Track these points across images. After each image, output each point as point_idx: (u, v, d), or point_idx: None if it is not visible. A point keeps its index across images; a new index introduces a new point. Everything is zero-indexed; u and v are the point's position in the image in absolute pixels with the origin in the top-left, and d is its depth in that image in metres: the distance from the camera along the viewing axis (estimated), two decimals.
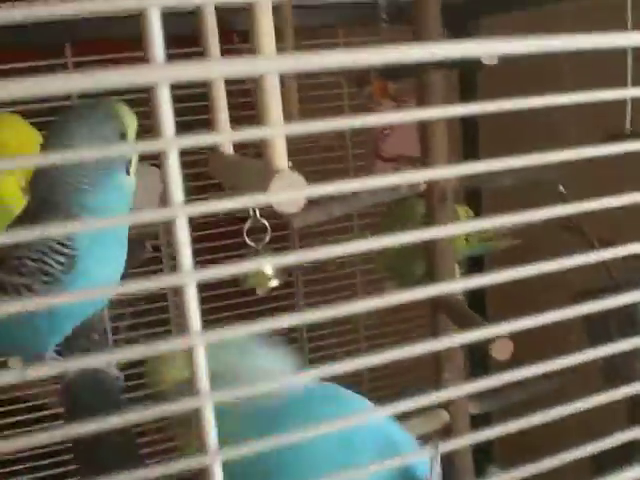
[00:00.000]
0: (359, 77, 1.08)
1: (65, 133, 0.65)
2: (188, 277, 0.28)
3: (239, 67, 0.28)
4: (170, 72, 0.26)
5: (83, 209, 0.64)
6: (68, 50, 1.16)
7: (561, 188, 0.74)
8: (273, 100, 0.49)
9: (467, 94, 1.29)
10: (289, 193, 0.47)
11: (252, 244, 0.72)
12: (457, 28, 1.28)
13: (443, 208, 0.83)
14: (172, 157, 0.28)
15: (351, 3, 1.12)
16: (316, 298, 1.41)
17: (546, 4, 1.11)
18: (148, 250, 0.92)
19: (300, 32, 0.99)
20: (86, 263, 0.65)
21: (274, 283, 0.74)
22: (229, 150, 0.68)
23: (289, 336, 1.36)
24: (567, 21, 1.05)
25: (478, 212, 1.25)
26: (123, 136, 0.66)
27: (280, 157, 0.50)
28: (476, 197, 1.30)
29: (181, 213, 0.28)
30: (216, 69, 0.28)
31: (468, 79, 1.29)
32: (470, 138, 1.32)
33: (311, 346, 1.44)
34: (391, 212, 0.97)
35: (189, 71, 0.27)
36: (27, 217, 0.67)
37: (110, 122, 0.66)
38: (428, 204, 0.84)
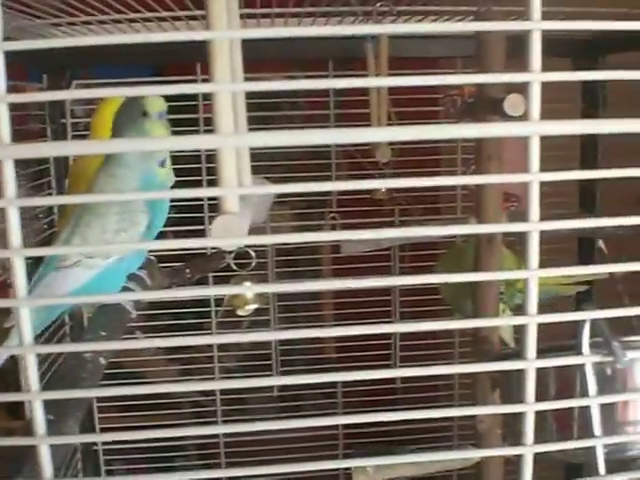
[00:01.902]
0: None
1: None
2: None
3: None
4: None
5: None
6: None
7: (601, 244, 0.70)
8: (229, 163, 0.52)
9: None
10: (229, 237, 0.50)
11: (236, 269, 0.75)
12: (585, 63, 1.25)
13: (490, 251, 0.82)
14: None
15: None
16: None
17: None
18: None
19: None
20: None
21: (253, 306, 0.76)
22: None
23: None
24: None
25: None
26: (145, 114, 0.71)
27: (228, 201, 0.52)
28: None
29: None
30: None
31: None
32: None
33: None
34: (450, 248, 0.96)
35: None
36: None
37: (133, 102, 0.71)
38: (476, 244, 0.83)
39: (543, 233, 0.38)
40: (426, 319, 0.40)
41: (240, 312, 0.81)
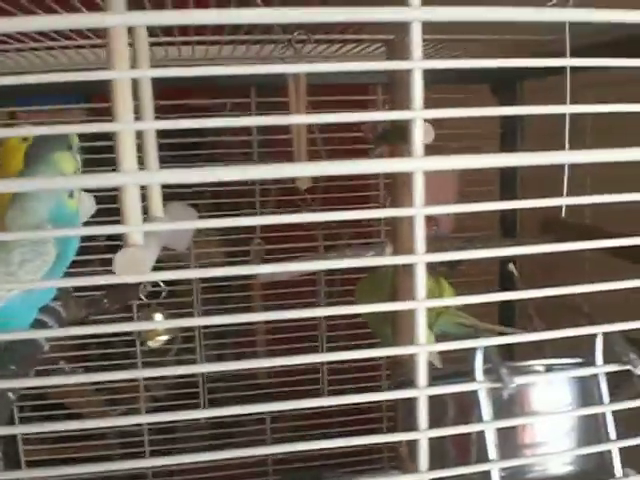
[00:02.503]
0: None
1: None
2: None
3: None
4: None
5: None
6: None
7: (511, 267, 0.72)
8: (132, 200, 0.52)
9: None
10: (133, 271, 0.50)
11: (146, 300, 0.75)
12: (503, 89, 1.28)
13: (408, 275, 0.82)
14: None
15: None
16: None
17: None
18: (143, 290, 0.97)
19: None
20: None
21: (163, 338, 0.76)
22: None
23: None
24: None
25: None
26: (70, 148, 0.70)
27: (132, 235, 0.52)
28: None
29: None
30: None
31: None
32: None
33: None
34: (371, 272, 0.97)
35: None
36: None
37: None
38: (395, 270, 0.83)
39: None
40: (356, 341, 0.40)
41: (151, 344, 0.81)
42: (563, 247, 0.41)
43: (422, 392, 0.39)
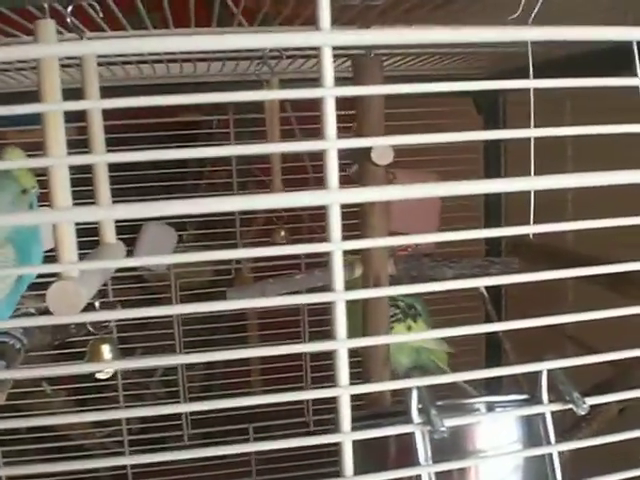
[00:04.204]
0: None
1: None
2: None
3: None
4: None
5: None
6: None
7: (482, 289, 0.70)
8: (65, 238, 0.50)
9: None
10: (65, 306, 0.48)
11: (92, 330, 0.73)
12: (485, 101, 1.27)
13: (377, 303, 0.80)
14: None
15: None
16: None
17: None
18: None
19: None
20: None
21: (109, 372, 0.74)
22: None
23: None
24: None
25: None
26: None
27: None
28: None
29: None
30: None
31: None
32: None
33: None
34: None
35: None
36: None
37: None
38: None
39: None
40: None
41: (99, 376, 0.79)
42: (527, 278, 0.39)
43: (346, 437, 0.37)
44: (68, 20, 0.61)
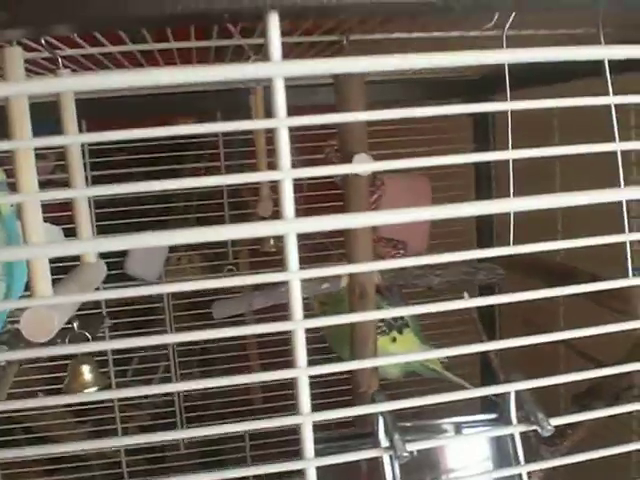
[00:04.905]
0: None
1: None
2: None
3: None
4: None
5: None
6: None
7: (466, 295, 0.70)
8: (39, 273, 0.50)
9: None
10: (38, 331, 0.48)
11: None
12: (475, 102, 1.26)
13: (363, 305, 0.80)
14: None
15: None
16: None
17: (555, 82, 1.07)
18: (107, 322, 0.95)
19: None
20: None
21: (93, 389, 0.74)
22: None
23: None
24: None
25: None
26: None
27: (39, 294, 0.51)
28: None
29: None
30: None
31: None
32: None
33: None
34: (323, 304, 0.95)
35: None
36: None
37: None
38: (349, 300, 0.81)
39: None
40: None
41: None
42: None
43: (309, 463, 0.37)
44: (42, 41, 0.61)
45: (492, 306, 1.26)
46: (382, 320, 0.92)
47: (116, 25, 0.45)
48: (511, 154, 0.44)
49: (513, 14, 0.60)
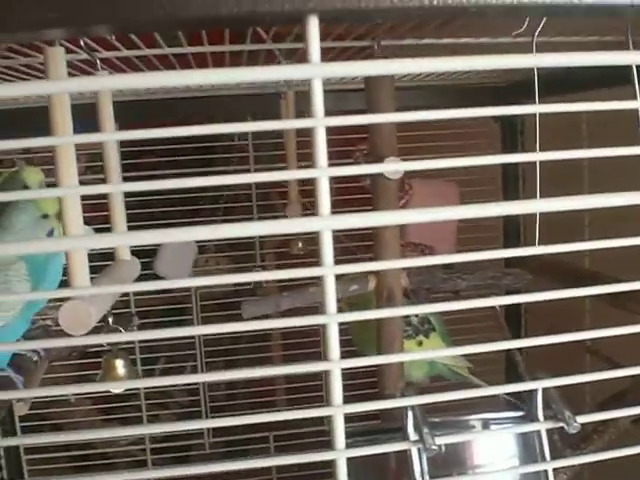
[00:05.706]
0: None
1: None
2: None
3: None
4: None
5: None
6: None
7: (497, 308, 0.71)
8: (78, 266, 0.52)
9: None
10: (76, 323, 0.50)
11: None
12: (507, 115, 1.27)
13: (389, 305, 0.81)
14: None
15: None
16: None
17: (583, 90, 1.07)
18: (136, 320, 0.97)
19: None
20: None
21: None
22: None
23: None
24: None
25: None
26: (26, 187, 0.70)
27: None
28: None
29: None
30: None
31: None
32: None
33: None
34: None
35: None
36: None
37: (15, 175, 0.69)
38: (377, 303, 0.83)
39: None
40: None
41: (114, 390, 0.80)
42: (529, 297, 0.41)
43: (339, 454, 0.38)
44: (81, 42, 0.63)
45: (518, 313, 1.26)
46: (409, 324, 0.93)
47: (157, 27, 0.47)
48: (538, 156, 0.45)
49: (544, 19, 0.61)
